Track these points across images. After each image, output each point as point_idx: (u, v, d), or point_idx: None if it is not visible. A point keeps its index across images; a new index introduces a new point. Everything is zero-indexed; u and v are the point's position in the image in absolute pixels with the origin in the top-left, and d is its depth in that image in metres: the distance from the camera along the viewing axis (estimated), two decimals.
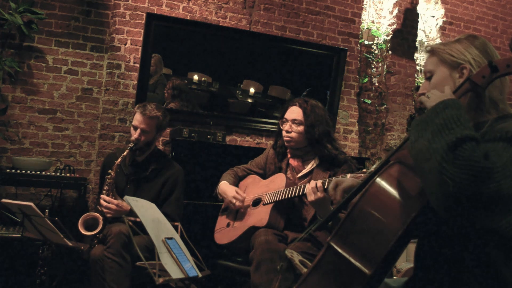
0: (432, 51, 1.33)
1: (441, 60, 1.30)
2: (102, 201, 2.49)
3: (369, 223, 1.18)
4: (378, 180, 1.22)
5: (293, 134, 2.40)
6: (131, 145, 2.59)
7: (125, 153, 2.56)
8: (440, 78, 1.29)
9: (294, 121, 2.40)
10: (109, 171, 2.56)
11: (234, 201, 2.43)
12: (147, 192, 2.59)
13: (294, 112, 2.42)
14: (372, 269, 1.14)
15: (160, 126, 2.67)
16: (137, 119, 2.61)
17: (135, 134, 2.60)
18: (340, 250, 1.19)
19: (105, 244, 2.34)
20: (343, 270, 1.18)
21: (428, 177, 1.05)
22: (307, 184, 2.14)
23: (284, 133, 2.43)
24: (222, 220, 2.58)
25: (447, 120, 1.06)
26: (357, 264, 1.16)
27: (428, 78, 1.33)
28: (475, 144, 1.01)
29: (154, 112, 2.61)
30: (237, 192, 2.44)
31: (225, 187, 2.50)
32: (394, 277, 3.12)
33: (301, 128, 2.39)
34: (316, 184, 2.08)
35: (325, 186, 2.09)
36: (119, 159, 2.54)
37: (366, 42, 4.81)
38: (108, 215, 2.48)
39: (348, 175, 2.01)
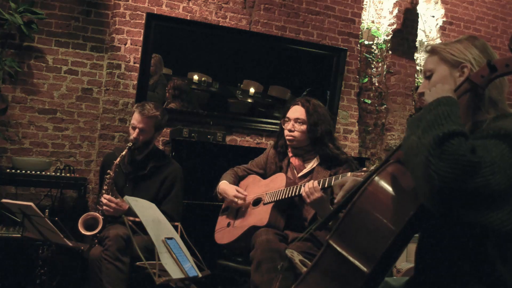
0: (432, 50, 1.33)
1: (442, 59, 1.30)
2: (102, 199, 2.49)
3: (368, 221, 1.18)
4: (377, 178, 1.22)
5: (295, 133, 2.40)
6: (129, 144, 2.59)
7: (123, 152, 2.56)
8: (440, 77, 1.29)
9: (297, 120, 2.40)
10: (108, 170, 2.57)
11: (236, 200, 2.43)
12: (146, 190, 2.59)
13: (297, 111, 2.43)
14: (371, 268, 1.14)
15: (159, 125, 2.67)
16: (136, 118, 2.61)
17: (133, 134, 2.61)
18: (339, 249, 1.19)
19: (103, 247, 2.35)
20: (342, 268, 1.18)
21: (416, 173, 1.05)
22: (302, 188, 2.14)
23: (286, 132, 2.43)
24: (222, 220, 2.58)
25: (438, 117, 1.07)
26: (356, 262, 1.16)
27: (428, 77, 1.33)
28: (463, 139, 1.01)
29: (152, 111, 2.62)
30: (237, 191, 2.45)
31: (225, 187, 2.50)
32: (394, 277, 3.12)
33: (303, 127, 2.39)
34: (313, 184, 2.09)
35: (325, 185, 2.09)
36: (118, 159, 2.55)
37: (366, 42, 4.82)
38: (107, 213, 2.48)
39: (349, 174, 2.01)
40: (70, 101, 3.73)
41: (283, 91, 4.23)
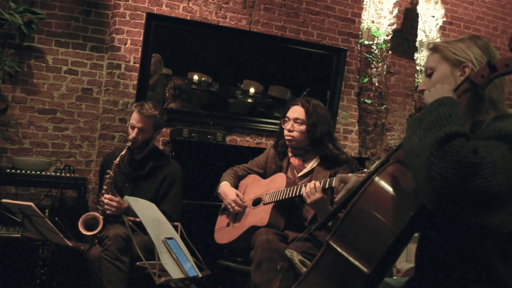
0: (434, 48, 1.33)
1: (444, 57, 1.30)
2: (103, 199, 2.49)
3: (368, 222, 1.18)
4: (377, 179, 1.22)
5: (295, 133, 2.40)
6: (129, 144, 2.59)
7: (123, 152, 2.57)
8: (441, 75, 1.29)
9: (296, 120, 2.40)
10: (108, 170, 2.57)
11: (233, 204, 2.43)
12: (145, 190, 2.59)
13: (297, 111, 2.43)
14: (371, 268, 1.13)
15: (158, 124, 2.67)
16: (135, 118, 2.62)
17: (132, 133, 2.61)
18: (339, 249, 1.19)
19: (103, 246, 2.35)
20: (342, 269, 1.18)
21: (417, 173, 1.05)
22: (303, 188, 2.14)
23: (286, 132, 2.43)
24: (222, 220, 2.58)
25: (439, 117, 1.07)
26: (356, 263, 1.16)
27: (429, 75, 1.33)
28: (464, 140, 1.01)
29: (151, 111, 2.62)
30: (237, 196, 2.45)
31: (226, 189, 2.50)
32: (394, 277, 3.12)
33: (303, 127, 2.39)
34: (315, 185, 2.08)
35: (326, 186, 2.09)
36: (118, 159, 2.55)
37: (366, 42, 4.81)
38: (108, 212, 2.48)
39: (350, 175, 2.00)
40: (70, 101, 3.73)
41: (283, 91, 4.23)
